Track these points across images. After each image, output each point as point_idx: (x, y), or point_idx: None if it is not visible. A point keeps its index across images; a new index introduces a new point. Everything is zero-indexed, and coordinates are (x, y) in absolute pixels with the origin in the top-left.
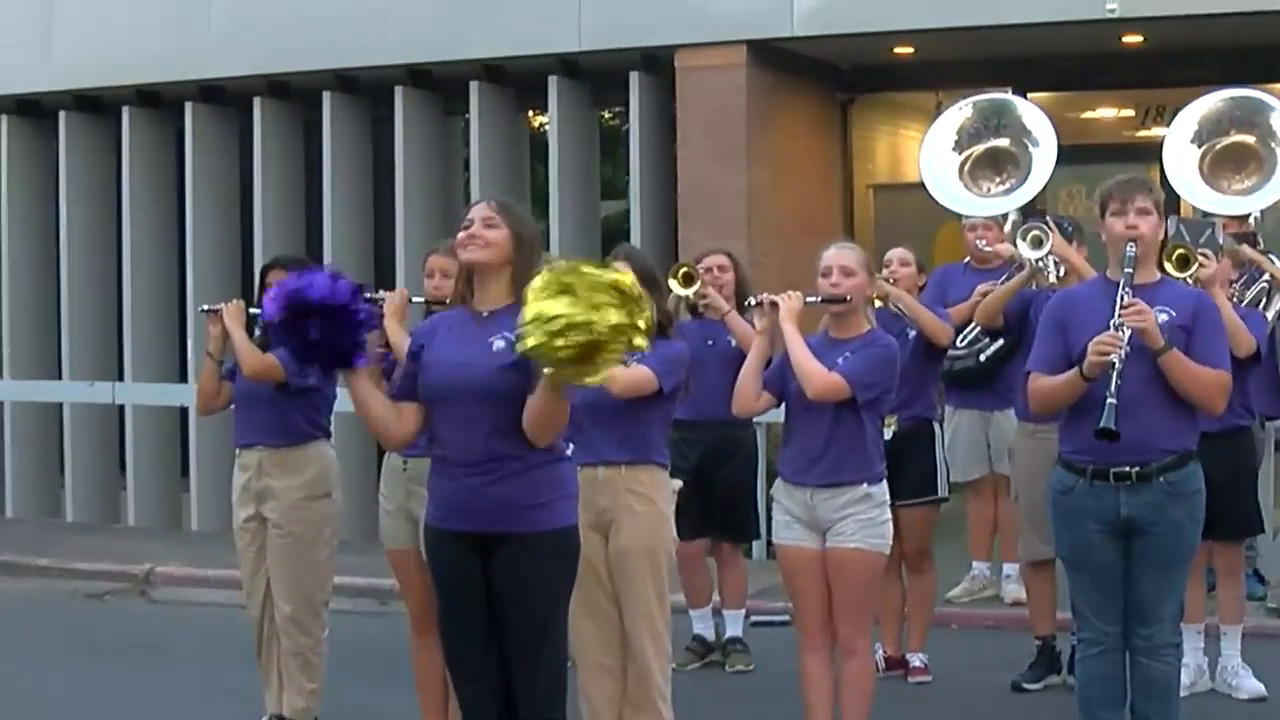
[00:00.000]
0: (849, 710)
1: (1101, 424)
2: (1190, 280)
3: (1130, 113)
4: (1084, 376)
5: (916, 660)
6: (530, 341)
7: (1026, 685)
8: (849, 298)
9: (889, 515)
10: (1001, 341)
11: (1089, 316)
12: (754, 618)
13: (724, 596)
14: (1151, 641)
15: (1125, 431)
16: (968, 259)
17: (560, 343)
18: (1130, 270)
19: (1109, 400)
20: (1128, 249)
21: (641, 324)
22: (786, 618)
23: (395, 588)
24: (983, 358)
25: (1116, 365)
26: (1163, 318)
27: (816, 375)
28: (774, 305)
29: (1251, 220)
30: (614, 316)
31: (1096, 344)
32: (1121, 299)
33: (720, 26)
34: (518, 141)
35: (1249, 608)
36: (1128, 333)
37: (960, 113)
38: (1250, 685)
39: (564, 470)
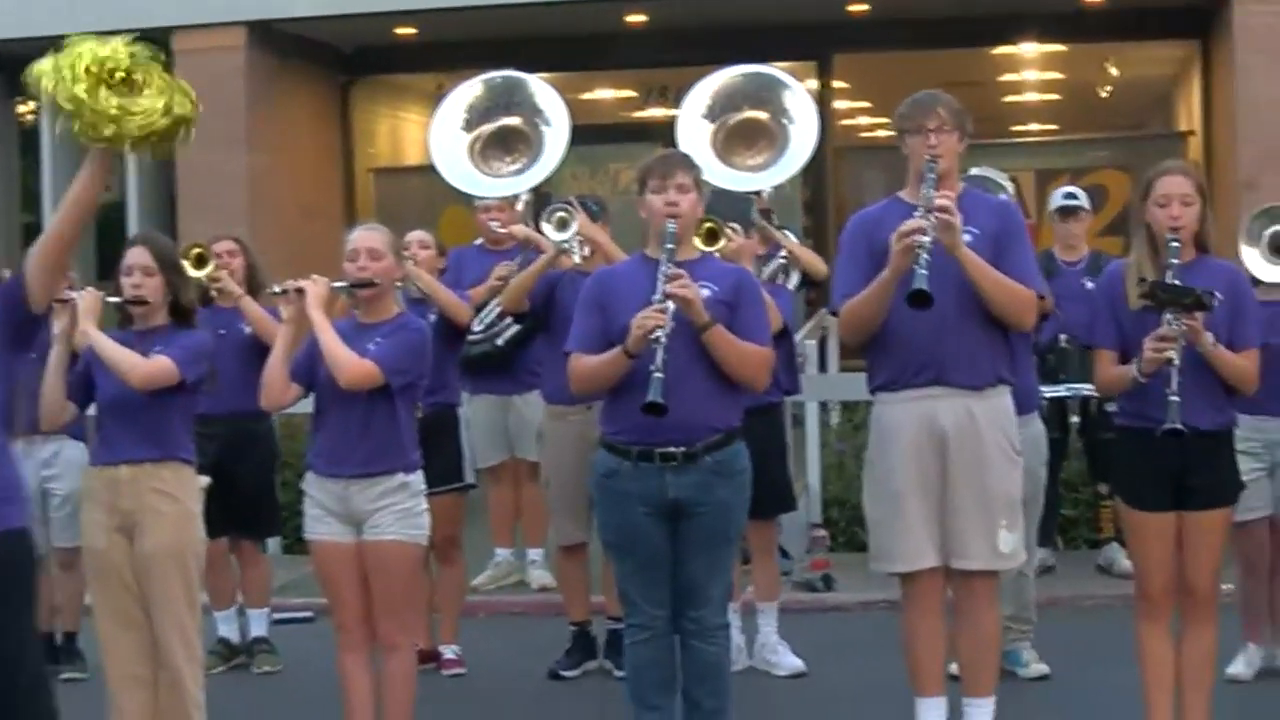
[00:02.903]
0: (392, 709)
1: (649, 398)
2: (718, 254)
3: (633, 93)
4: (628, 353)
5: (449, 652)
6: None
7: (564, 672)
8: (378, 281)
9: (426, 504)
10: (519, 325)
11: (629, 294)
12: (274, 616)
13: (247, 596)
14: (701, 624)
15: (671, 410)
16: (481, 240)
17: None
18: (672, 246)
19: (655, 374)
20: (668, 225)
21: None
22: (309, 614)
23: None
24: (500, 341)
25: (661, 339)
26: (705, 293)
27: (348, 363)
28: (300, 292)
29: (764, 196)
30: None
31: (640, 318)
32: (664, 273)
33: (219, 7)
34: (6, 131)
35: None
36: (672, 306)
37: (470, 90)
38: (789, 662)
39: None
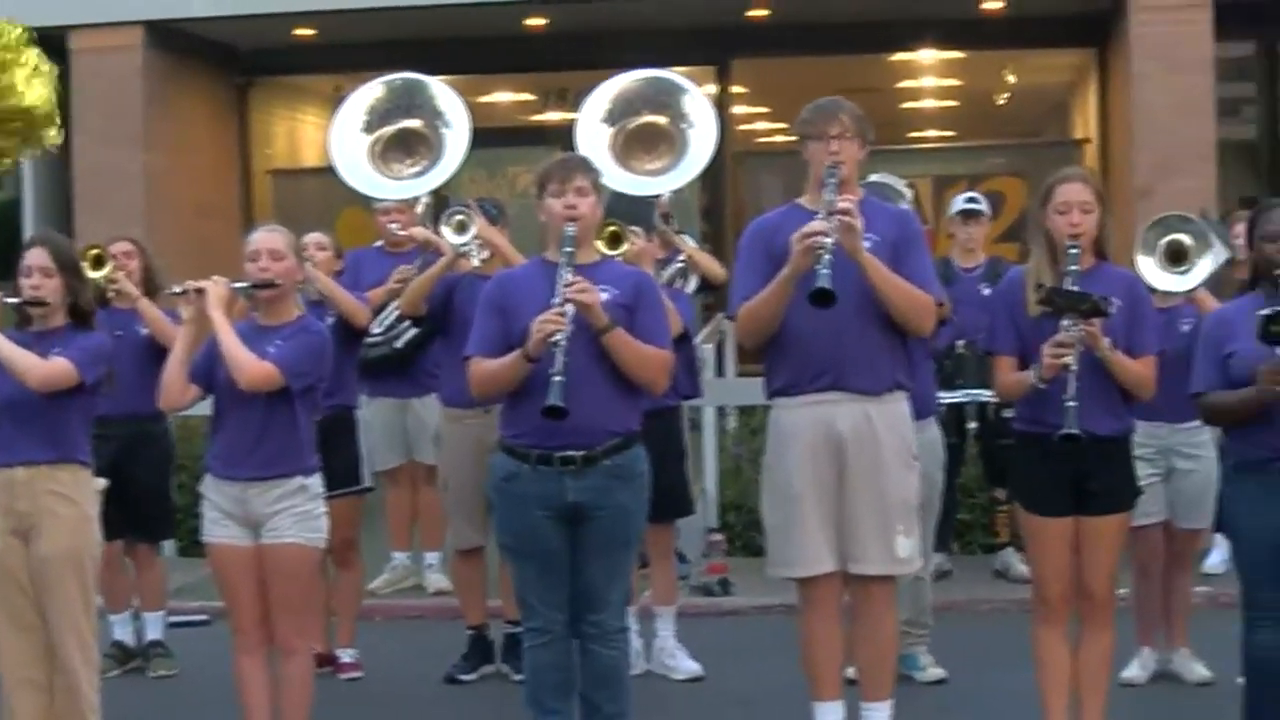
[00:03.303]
0: (289, 711)
1: (549, 401)
2: (621, 258)
3: (531, 96)
4: (528, 357)
5: (347, 656)
6: None
7: (461, 676)
8: (279, 282)
9: (324, 508)
10: (418, 328)
11: (529, 298)
12: (170, 619)
13: (143, 599)
14: (601, 628)
15: (571, 414)
16: (380, 242)
17: None
18: (571, 250)
19: (556, 378)
20: (567, 229)
21: None
22: (205, 617)
23: None
24: (399, 344)
25: (561, 343)
26: (604, 296)
27: (248, 364)
28: (200, 292)
29: (663, 200)
30: None
31: (540, 322)
32: (563, 277)
33: (116, 7)
34: None
35: None
36: (571, 310)
37: (371, 92)
38: (687, 665)
39: None
